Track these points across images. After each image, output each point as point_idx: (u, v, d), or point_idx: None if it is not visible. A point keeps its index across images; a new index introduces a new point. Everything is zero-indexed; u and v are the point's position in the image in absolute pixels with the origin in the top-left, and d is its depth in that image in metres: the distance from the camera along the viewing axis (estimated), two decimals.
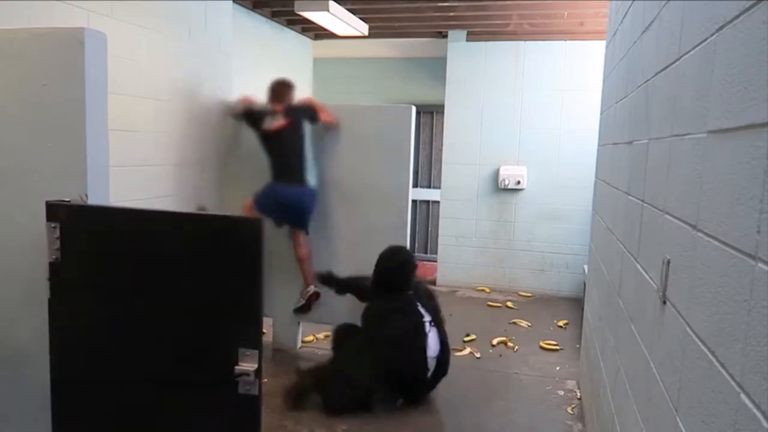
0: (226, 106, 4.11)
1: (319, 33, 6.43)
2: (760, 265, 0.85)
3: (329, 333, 4.14)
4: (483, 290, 6.17)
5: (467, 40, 6.11)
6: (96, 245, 1.82)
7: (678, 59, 1.46)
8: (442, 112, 6.34)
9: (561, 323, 5.11)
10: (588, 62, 5.62)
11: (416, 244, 7.43)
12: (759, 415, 0.81)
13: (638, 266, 1.84)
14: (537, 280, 6.11)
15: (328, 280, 3.92)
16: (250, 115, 3.98)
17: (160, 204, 3.47)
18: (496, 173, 6.10)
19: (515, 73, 5.99)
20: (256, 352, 1.63)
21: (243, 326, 1.66)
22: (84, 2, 2.86)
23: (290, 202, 3.92)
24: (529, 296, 6.02)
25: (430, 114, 7.27)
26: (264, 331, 2.54)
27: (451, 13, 5.41)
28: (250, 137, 4.03)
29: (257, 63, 5.25)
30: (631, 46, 2.33)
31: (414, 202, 5.65)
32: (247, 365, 1.63)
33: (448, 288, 6.15)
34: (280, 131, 3.88)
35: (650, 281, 1.63)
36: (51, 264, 1.78)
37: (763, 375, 0.81)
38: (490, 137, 6.10)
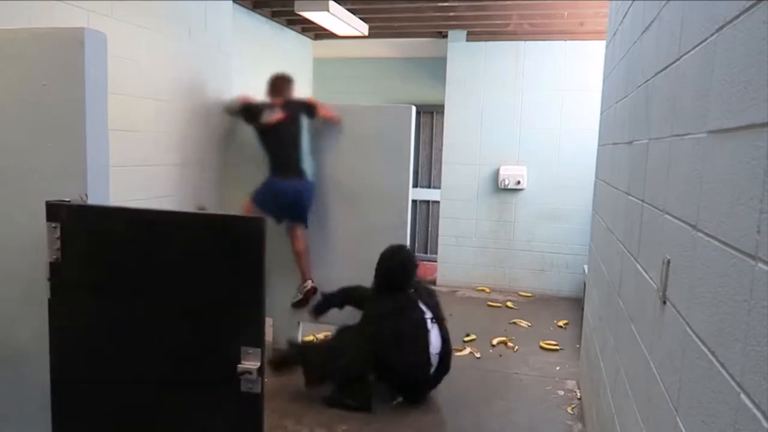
0: (224, 103, 4.11)
1: (319, 33, 6.43)
2: (760, 265, 0.85)
3: (329, 333, 4.13)
4: (483, 290, 6.17)
5: (467, 40, 6.11)
6: (97, 245, 1.82)
7: (678, 59, 1.46)
8: (442, 112, 6.34)
9: (561, 323, 5.11)
10: (588, 62, 5.62)
11: (416, 244, 7.43)
12: (759, 415, 0.81)
13: (638, 266, 1.84)
14: (537, 280, 6.11)
15: (324, 306, 3.91)
16: (248, 110, 3.98)
17: (160, 204, 3.47)
18: (496, 173, 6.10)
19: (515, 73, 5.99)
20: (259, 350, 1.64)
21: (245, 325, 1.67)
22: (84, 2, 2.86)
23: (289, 196, 3.91)
24: (529, 296, 6.02)
25: (430, 114, 7.27)
26: None
27: (451, 13, 5.41)
28: (245, 134, 4.02)
29: (257, 63, 5.25)
30: (631, 46, 2.33)
31: (414, 202, 5.65)
32: (249, 363, 1.63)
33: (448, 288, 6.15)
34: (278, 125, 3.89)
35: (650, 281, 1.63)
36: (51, 264, 1.78)
37: (763, 375, 0.81)
38: (490, 137, 6.10)
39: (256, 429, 1.69)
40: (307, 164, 3.97)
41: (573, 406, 3.53)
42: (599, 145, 3.44)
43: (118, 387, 1.83)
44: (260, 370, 1.63)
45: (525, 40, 5.93)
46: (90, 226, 1.82)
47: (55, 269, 1.78)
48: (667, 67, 1.60)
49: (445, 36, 6.19)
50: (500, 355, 4.34)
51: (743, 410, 0.87)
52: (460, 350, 4.32)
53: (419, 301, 3.52)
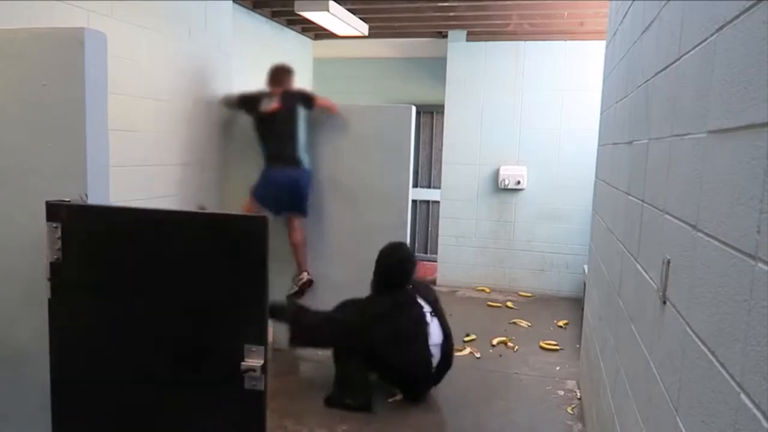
0: (223, 96, 4.12)
1: (319, 33, 6.43)
2: (760, 265, 0.85)
3: None
4: (483, 290, 6.17)
5: (467, 40, 6.11)
6: (98, 245, 1.82)
7: (678, 59, 1.46)
8: (442, 112, 6.34)
9: (561, 323, 5.11)
10: (588, 62, 5.61)
11: (416, 244, 7.43)
12: (759, 415, 0.81)
13: (638, 266, 1.84)
14: (537, 280, 6.11)
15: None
16: (246, 99, 4.00)
17: (160, 204, 3.47)
18: (496, 173, 6.10)
19: (515, 73, 5.99)
20: (262, 348, 1.65)
21: (248, 323, 1.68)
22: (84, 2, 2.86)
23: (285, 185, 3.91)
24: (529, 296, 6.01)
25: (430, 114, 7.27)
26: None
27: (451, 13, 5.41)
28: (244, 132, 4.01)
29: (257, 63, 5.24)
30: (631, 46, 2.33)
31: (414, 202, 5.66)
32: (253, 361, 1.64)
33: (448, 288, 6.15)
34: (274, 114, 3.89)
35: (650, 281, 1.63)
36: (52, 264, 1.78)
37: (763, 375, 0.81)
38: (490, 137, 6.10)
39: (260, 426, 1.70)
40: (304, 156, 3.95)
41: (573, 406, 3.53)
42: (599, 145, 3.44)
43: (119, 387, 1.83)
44: (263, 368, 1.64)
45: (525, 40, 5.93)
46: (91, 226, 1.82)
47: (55, 269, 1.78)
48: (667, 67, 1.60)
49: (445, 36, 6.19)
50: (500, 355, 4.34)
51: (743, 410, 0.87)
52: (460, 350, 4.32)
53: (418, 296, 3.53)
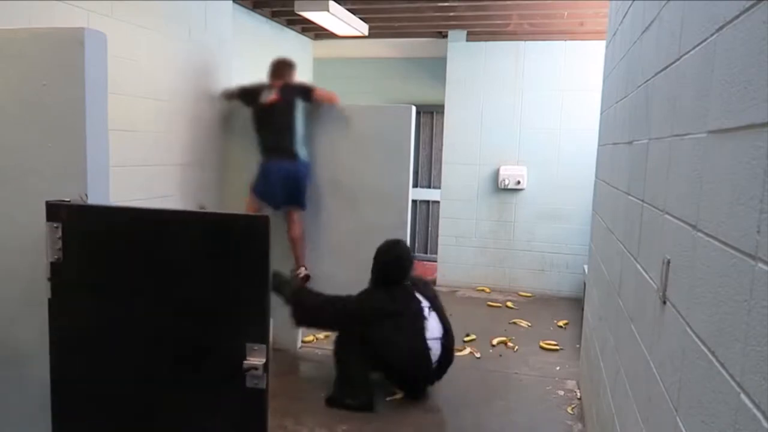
0: (223, 89, 4.13)
1: (319, 33, 6.43)
2: (760, 265, 0.85)
3: (329, 333, 4.14)
4: (483, 290, 6.17)
5: (467, 40, 6.11)
6: (99, 245, 1.82)
7: (678, 59, 1.46)
8: (442, 112, 6.34)
9: (561, 323, 5.11)
10: (588, 62, 5.61)
11: (416, 244, 7.43)
12: (759, 415, 0.81)
13: (638, 266, 1.84)
14: (537, 280, 6.11)
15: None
16: (247, 92, 4.01)
17: (160, 204, 3.47)
18: (496, 173, 6.10)
19: (515, 73, 5.99)
20: (264, 346, 1.66)
21: (250, 322, 1.68)
22: (84, 2, 2.86)
23: (284, 178, 3.90)
24: (529, 296, 6.01)
25: (430, 114, 7.27)
26: None
27: (451, 13, 5.41)
28: (244, 126, 4.01)
29: (257, 63, 5.24)
30: (631, 46, 2.33)
31: (414, 202, 5.65)
32: (255, 360, 1.65)
33: (448, 288, 6.15)
34: (272, 106, 3.90)
35: (650, 281, 1.63)
36: (52, 264, 1.78)
37: (763, 375, 0.81)
38: (490, 137, 6.10)
39: (261, 424, 1.71)
40: (302, 149, 3.94)
41: (573, 406, 3.52)
42: (599, 145, 3.44)
43: (119, 387, 1.83)
44: (266, 366, 1.65)
45: (525, 40, 5.93)
46: (91, 226, 1.82)
47: (55, 269, 1.78)
48: (667, 67, 1.60)
49: (445, 36, 6.19)
50: (500, 355, 4.34)
51: (743, 410, 0.87)
52: (460, 350, 4.32)
53: (416, 292, 3.55)
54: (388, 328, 3.37)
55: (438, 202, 6.56)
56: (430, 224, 7.49)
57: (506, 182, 6.02)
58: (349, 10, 5.02)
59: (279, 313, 4.18)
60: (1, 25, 2.15)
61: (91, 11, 2.90)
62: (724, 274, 1.01)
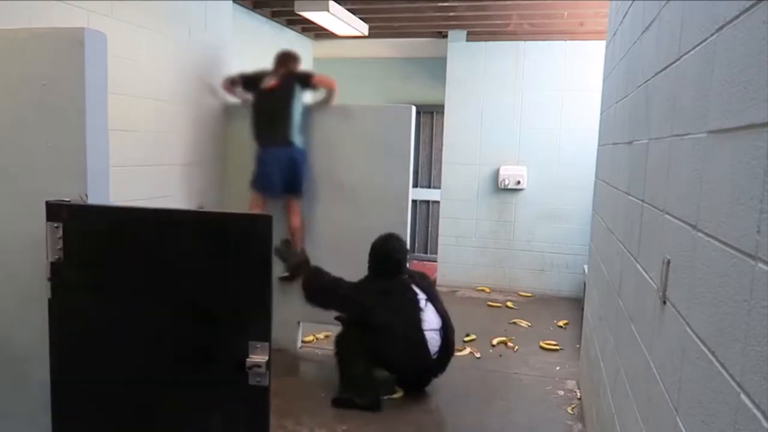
0: (225, 78, 4.14)
1: (319, 33, 6.43)
2: (760, 265, 0.85)
3: (329, 333, 4.14)
4: (483, 290, 6.17)
5: (467, 40, 6.11)
6: (101, 245, 1.82)
7: (678, 59, 1.46)
8: (442, 112, 6.34)
9: (561, 323, 5.11)
10: (588, 62, 5.61)
11: (416, 244, 7.44)
12: (759, 415, 0.81)
13: (638, 266, 1.84)
14: (537, 280, 6.11)
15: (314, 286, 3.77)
16: (249, 78, 4.04)
17: (160, 204, 3.47)
18: (496, 173, 6.10)
19: (515, 73, 5.99)
20: (267, 344, 1.67)
21: (253, 320, 1.69)
22: (84, 2, 2.86)
23: (280, 164, 3.90)
24: (529, 296, 6.01)
25: (430, 114, 7.27)
26: None
27: (451, 13, 5.41)
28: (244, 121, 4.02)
29: (257, 63, 5.24)
30: (631, 46, 2.33)
31: (414, 202, 5.65)
32: (258, 357, 1.66)
33: (448, 288, 6.15)
34: (272, 90, 3.94)
35: (650, 281, 1.63)
36: (52, 264, 1.78)
37: (763, 375, 0.81)
38: (490, 137, 6.10)
39: (263, 421, 1.72)
40: (298, 136, 3.94)
41: (573, 406, 3.52)
42: (599, 145, 3.44)
43: (120, 386, 1.83)
44: (268, 364, 1.66)
45: (525, 40, 5.93)
46: (93, 226, 1.82)
47: (55, 269, 1.78)
48: (667, 67, 1.60)
49: (445, 36, 6.19)
50: (500, 355, 4.34)
51: (743, 410, 0.87)
52: (460, 350, 4.32)
53: (412, 284, 3.56)
54: (385, 318, 3.39)
55: (438, 202, 6.56)
56: (430, 224, 7.49)
57: (506, 182, 6.02)
58: (349, 10, 5.02)
59: (278, 312, 4.19)
60: (1, 25, 2.15)
61: (91, 11, 2.90)
62: (724, 274, 1.01)
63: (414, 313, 3.45)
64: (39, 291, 1.80)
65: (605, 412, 2.39)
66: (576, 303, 5.58)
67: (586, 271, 4.37)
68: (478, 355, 4.32)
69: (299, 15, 4.89)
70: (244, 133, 4.03)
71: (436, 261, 6.51)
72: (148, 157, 3.43)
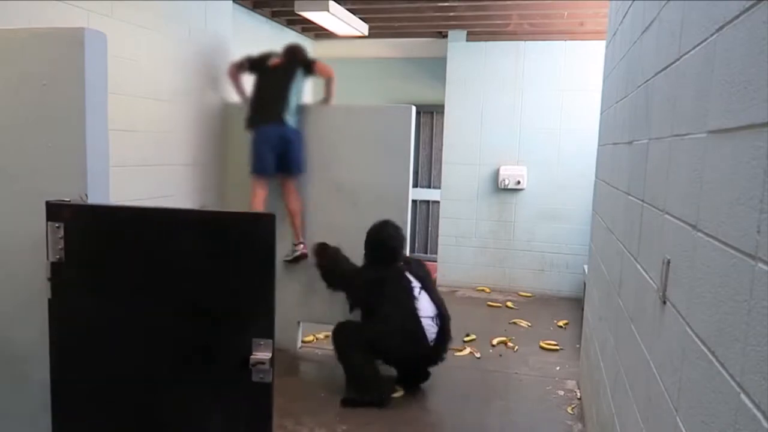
0: (231, 65, 4.17)
1: (319, 33, 6.43)
2: (760, 265, 0.85)
3: (329, 333, 4.14)
4: (483, 290, 6.17)
5: (467, 40, 6.11)
6: (103, 244, 1.82)
7: (678, 59, 1.46)
8: (442, 112, 6.34)
9: (561, 323, 5.11)
10: (588, 62, 5.61)
11: (416, 244, 7.44)
12: (759, 415, 0.81)
13: (638, 266, 1.84)
14: (537, 280, 6.11)
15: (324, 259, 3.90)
16: (254, 61, 4.07)
17: (160, 204, 3.47)
18: (496, 173, 6.10)
19: (515, 73, 5.99)
20: (270, 341, 1.68)
21: (257, 317, 1.69)
22: (84, 2, 2.86)
23: (272, 141, 3.89)
24: (529, 296, 6.02)
25: (430, 114, 7.27)
26: None
27: (451, 13, 5.41)
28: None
29: None
30: (631, 46, 2.33)
31: (414, 202, 5.65)
32: (261, 354, 1.67)
33: (448, 288, 6.15)
34: (275, 68, 4.01)
35: (650, 281, 1.63)
36: (52, 264, 1.78)
37: (763, 375, 0.81)
38: (490, 137, 6.10)
39: (267, 418, 1.74)
40: (293, 114, 3.94)
41: (573, 406, 3.53)
42: (599, 145, 3.44)
43: (121, 386, 1.83)
44: (272, 361, 1.67)
45: (525, 40, 5.93)
46: (94, 226, 1.82)
47: (56, 269, 1.78)
48: (667, 67, 1.60)
49: (445, 36, 6.19)
50: (500, 355, 4.34)
51: (743, 410, 0.87)
52: (460, 350, 4.32)
53: (408, 272, 3.57)
54: (381, 306, 3.42)
55: (438, 202, 6.56)
56: (430, 224, 7.49)
57: (506, 182, 6.02)
58: (349, 10, 5.02)
59: (278, 312, 4.19)
60: (1, 25, 2.15)
61: (91, 11, 2.90)
62: (724, 274, 1.01)
63: (409, 301, 3.45)
64: (39, 291, 1.80)
65: (605, 412, 2.39)
66: (576, 303, 5.58)
67: (586, 271, 4.37)
68: (478, 355, 4.32)
69: (299, 15, 4.89)
70: (244, 133, 4.03)
71: (436, 261, 6.50)
72: (148, 157, 3.43)
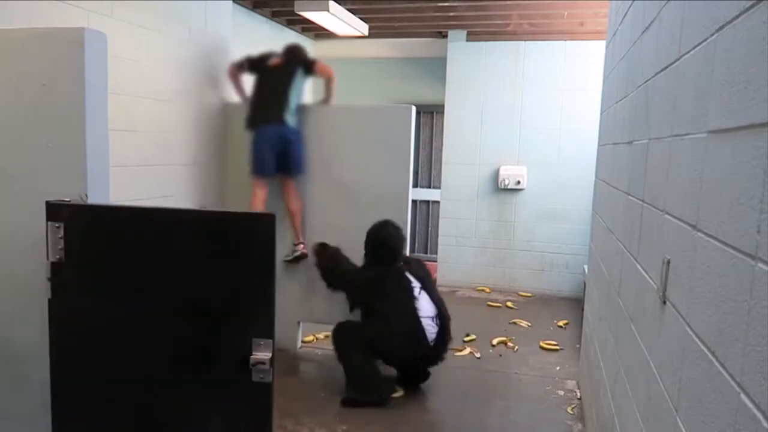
0: (230, 65, 4.17)
1: (319, 33, 6.43)
2: (760, 265, 0.85)
3: (329, 333, 4.14)
4: (483, 290, 6.17)
5: (467, 40, 6.11)
6: (103, 244, 1.82)
7: (678, 59, 1.46)
8: (442, 112, 6.34)
9: (561, 323, 5.11)
10: (588, 62, 5.62)
11: (416, 244, 7.44)
12: (759, 415, 0.81)
13: (638, 266, 1.84)
14: (537, 280, 6.11)
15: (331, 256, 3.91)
16: (253, 60, 4.07)
17: (160, 204, 3.47)
18: (496, 173, 6.10)
19: (515, 73, 5.99)
20: (270, 341, 1.68)
21: (257, 318, 1.70)
22: (84, 2, 2.86)
23: (272, 141, 3.88)
24: (529, 296, 6.02)
25: (430, 114, 7.27)
26: None
27: (451, 13, 5.41)
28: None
29: None
30: (631, 46, 2.33)
31: (414, 202, 5.65)
32: (261, 354, 1.67)
33: (448, 288, 6.15)
34: (275, 68, 4.01)
35: (650, 281, 1.63)
36: (52, 264, 1.78)
37: (763, 375, 0.81)
38: (490, 137, 6.10)
39: (267, 417, 1.74)
40: (291, 117, 3.93)
41: (573, 406, 3.53)
42: (599, 145, 3.44)
43: (121, 386, 1.83)
44: (272, 360, 1.68)
45: (525, 40, 5.93)
46: (95, 226, 1.82)
47: (56, 269, 1.78)
48: (667, 67, 1.60)
49: (445, 36, 6.19)
50: (500, 355, 4.34)
51: (743, 410, 0.87)
52: (460, 350, 4.32)
53: (408, 272, 3.57)
54: (381, 305, 3.42)
55: (438, 202, 6.56)
56: (430, 224, 7.49)
57: (506, 182, 6.02)
58: (349, 10, 5.02)
59: (279, 313, 4.19)
60: (1, 25, 2.15)
61: (91, 11, 2.90)
62: (724, 274, 1.01)
63: (409, 301, 3.45)
64: (39, 291, 1.80)
65: (605, 412, 2.39)
66: (576, 303, 5.58)
67: (586, 271, 4.37)
68: (478, 355, 4.32)
69: (299, 15, 4.89)
70: (244, 133, 4.03)
71: (436, 261, 6.50)
72: (148, 157, 3.43)
